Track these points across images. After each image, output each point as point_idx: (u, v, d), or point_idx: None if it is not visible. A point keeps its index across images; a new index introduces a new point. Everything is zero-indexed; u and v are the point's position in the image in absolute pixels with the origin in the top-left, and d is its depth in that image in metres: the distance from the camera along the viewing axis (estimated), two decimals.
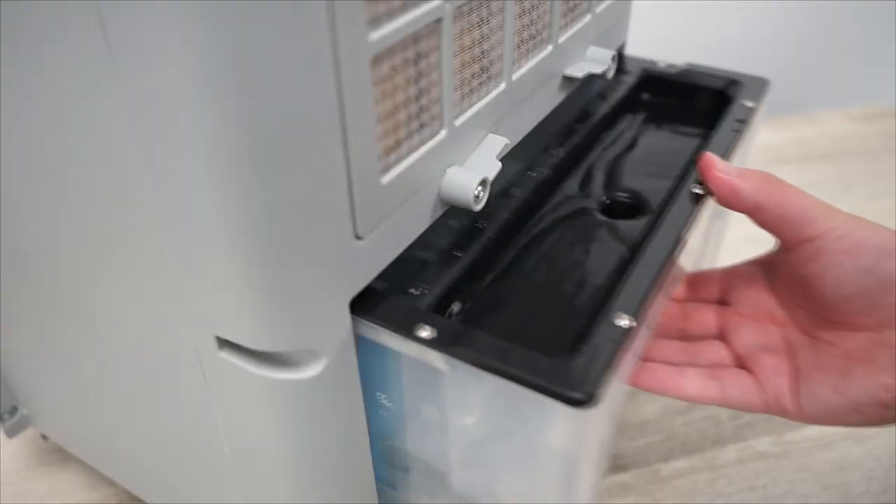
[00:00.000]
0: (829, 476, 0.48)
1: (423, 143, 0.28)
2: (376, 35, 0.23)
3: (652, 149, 0.43)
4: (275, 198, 0.22)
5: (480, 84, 0.31)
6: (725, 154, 0.38)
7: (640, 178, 0.40)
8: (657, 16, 0.75)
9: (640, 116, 0.47)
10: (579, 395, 0.24)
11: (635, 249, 0.34)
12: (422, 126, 0.28)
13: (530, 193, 0.37)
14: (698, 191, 0.36)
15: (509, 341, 0.26)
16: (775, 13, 0.88)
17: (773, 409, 0.34)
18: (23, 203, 0.30)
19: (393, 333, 0.27)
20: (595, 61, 0.41)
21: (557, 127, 0.42)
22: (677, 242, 0.33)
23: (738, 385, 0.35)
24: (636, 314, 0.28)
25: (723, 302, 0.40)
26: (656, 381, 0.35)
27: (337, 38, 0.21)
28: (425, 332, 0.27)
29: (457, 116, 0.30)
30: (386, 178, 0.26)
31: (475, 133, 0.31)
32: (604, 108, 0.45)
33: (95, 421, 0.41)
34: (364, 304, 0.28)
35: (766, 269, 0.39)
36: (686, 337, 0.39)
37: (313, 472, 0.30)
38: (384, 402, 0.31)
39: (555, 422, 0.27)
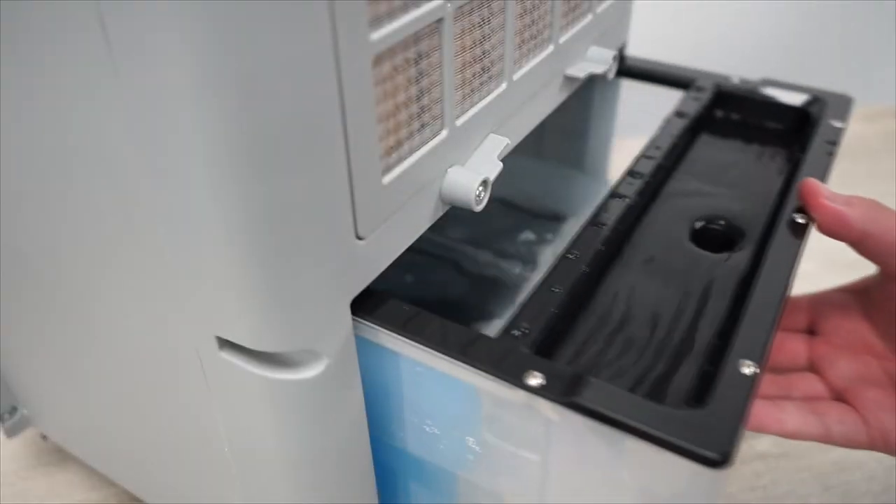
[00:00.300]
0: (830, 476, 0.48)
1: (424, 143, 0.28)
2: (377, 35, 0.23)
3: (735, 171, 0.41)
4: (275, 198, 0.22)
5: (481, 84, 0.31)
6: (822, 179, 0.36)
7: (728, 203, 0.38)
8: (657, 16, 0.75)
9: (718, 136, 0.45)
10: (715, 455, 0.22)
11: (742, 285, 0.32)
12: (423, 126, 0.28)
13: (619, 221, 0.35)
14: (800, 220, 0.34)
15: (623, 389, 0.25)
16: (775, 13, 0.88)
17: (878, 445, 0.32)
18: (23, 203, 0.30)
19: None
20: (596, 61, 0.41)
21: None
22: (789, 278, 0.31)
23: (842, 420, 0.33)
24: (760, 360, 0.26)
25: (811, 331, 0.38)
26: (753, 417, 0.33)
27: (338, 37, 0.21)
28: (535, 380, 0.25)
29: (458, 116, 0.30)
30: (387, 179, 0.26)
31: (476, 133, 0.31)
32: (681, 128, 0.42)
33: (95, 421, 0.41)
34: (364, 305, 0.28)
35: (860, 298, 0.37)
36: (775, 368, 0.37)
37: (313, 473, 0.30)
38: (431, 429, 0.30)
39: (679, 480, 0.24)
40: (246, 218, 0.22)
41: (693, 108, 0.44)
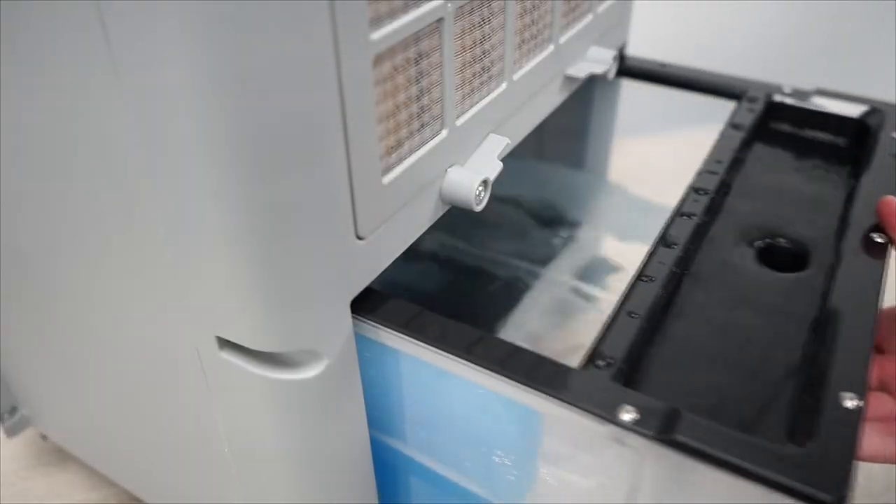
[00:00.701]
0: None
1: (424, 142, 0.28)
2: (378, 35, 0.23)
3: (792, 186, 0.40)
4: (275, 198, 0.22)
5: (482, 84, 0.31)
6: (891, 195, 0.34)
7: (791, 220, 0.37)
8: (658, 15, 0.75)
9: (772, 148, 0.43)
10: (830, 497, 0.21)
11: (818, 307, 0.31)
12: (423, 126, 0.28)
13: (689, 241, 0.33)
14: (879, 239, 0.32)
15: (720, 423, 0.23)
16: (776, 13, 0.88)
17: None
18: (23, 203, 0.30)
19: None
20: (596, 61, 0.41)
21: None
22: (877, 301, 0.29)
23: None
24: (861, 391, 0.25)
25: (878, 349, 0.37)
26: None
27: (338, 37, 0.21)
28: (629, 415, 0.23)
29: (458, 116, 0.30)
30: (387, 178, 0.26)
31: (476, 133, 0.31)
32: (738, 141, 0.41)
33: (96, 421, 0.41)
34: (364, 305, 0.28)
35: None
36: None
37: (313, 473, 0.30)
38: (503, 460, 0.29)
39: None
40: (246, 218, 0.22)
41: (748, 119, 0.43)
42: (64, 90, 0.23)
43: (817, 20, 0.89)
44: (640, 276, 0.30)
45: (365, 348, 0.29)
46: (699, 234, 0.35)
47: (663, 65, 0.48)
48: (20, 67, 0.24)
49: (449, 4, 0.26)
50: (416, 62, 0.26)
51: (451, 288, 0.51)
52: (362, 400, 0.30)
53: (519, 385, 0.25)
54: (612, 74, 0.43)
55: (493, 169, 0.31)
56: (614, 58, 0.42)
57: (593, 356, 0.26)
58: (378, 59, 0.24)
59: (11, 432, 0.46)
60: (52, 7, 0.21)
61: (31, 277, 0.33)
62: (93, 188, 0.26)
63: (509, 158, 0.33)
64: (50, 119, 0.25)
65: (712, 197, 0.36)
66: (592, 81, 0.47)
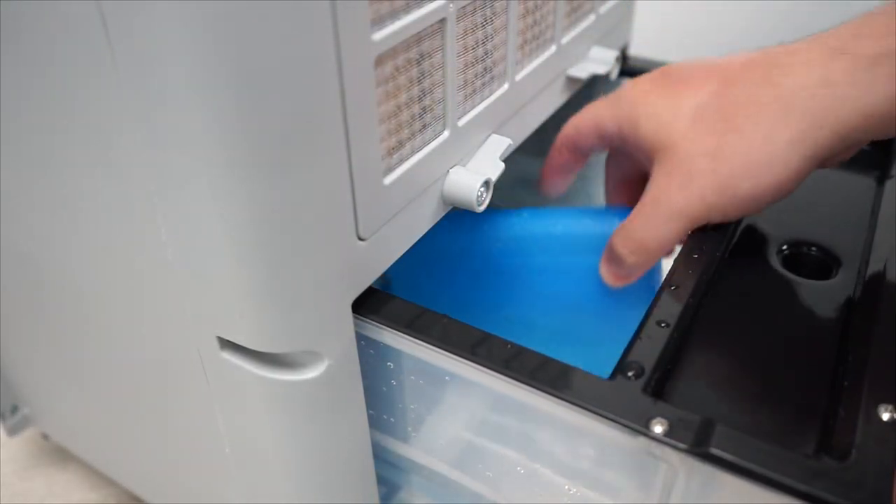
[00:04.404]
0: None
1: (425, 143, 0.28)
2: (379, 35, 0.23)
3: (817, 188, 0.38)
4: (277, 199, 0.22)
5: (483, 84, 0.31)
6: None
7: (818, 226, 0.36)
8: (661, 16, 0.75)
9: None
10: None
11: (849, 315, 0.31)
12: (424, 126, 0.27)
13: (714, 248, 0.32)
14: None
15: (750, 435, 0.23)
16: (781, 13, 0.88)
17: None
18: (24, 203, 0.30)
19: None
20: (598, 62, 0.41)
21: None
22: None
23: None
24: None
25: None
26: None
27: (340, 38, 0.21)
28: (661, 427, 0.23)
29: (460, 117, 0.30)
30: (388, 179, 0.26)
31: (478, 133, 0.31)
32: None
33: (97, 420, 0.41)
34: (366, 305, 0.28)
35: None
36: None
37: (314, 473, 0.30)
38: (516, 467, 0.29)
39: None
40: (247, 218, 0.22)
41: None
42: (64, 89, 0.23)
43: (824, 21, 0.89)
44: (668, 286, 0.30)
45: (367, 349, 0.29)
46: (723, 241, 0.34)
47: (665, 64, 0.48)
48: (21, 68, 0.24)
49: (451, 5, 0.26)
50: (418, 63, 0.26)
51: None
52: (363, 400, 0.30)
53: (545, 395, 0.25)
54: (614, 75, 0.43)
55: (495, 169, 0.31)
56: (617, 58, 0.42)
57: (622, 366, 0.26)
58: (380, 60, 0.24)
59: (12, 431, 0.46)
60: (52, 7, 0.21)
61: (32, 277, 0.33)
62: (94, 188, 0.26)
63: (510, 159, 0.33)
64: (50, 119, 0.25)
65: None
66: (595, 82, 0.47)
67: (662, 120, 0.32)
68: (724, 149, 0.30)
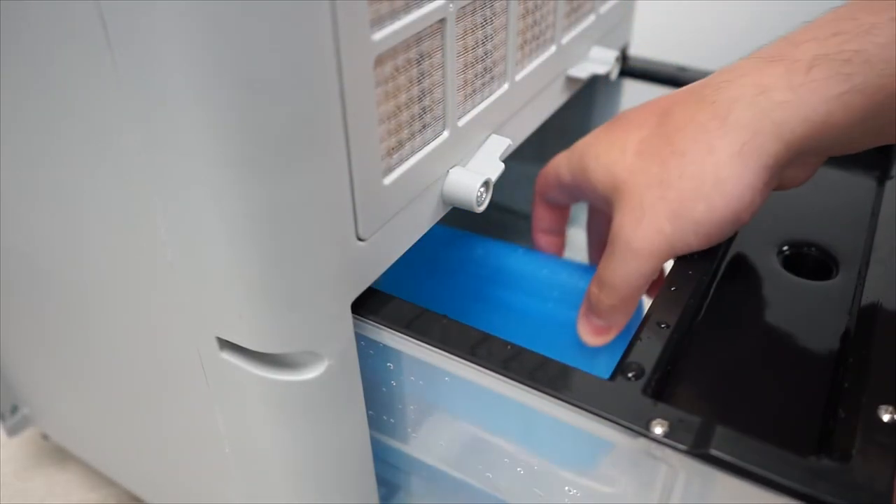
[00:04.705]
0: None
1: (425, 143, 0.28)
2: (379, 35, 0.23)
3: (817, 188, 0.38)
4: (276, 199, 0.22)
5: (483, 84, 0.31)
6: None
7: (817, 225, 0.36)
8: (661, 15, 0.75)
9: None
10: None
11: (850, 316, 0.30)
12: (424, 127, 0.27)
13: (714, 248, 0.32)
14: None
15: (752, 436, 0.23)
16: (783, 13, 0.88)
17: None
18: (24, 203, 0.29)
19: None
20: (598, 62, 0.41)
21: None
22: None
23: None
24: None
25: None
26: None
27: (339, 38, 0.21)
28: (661, 428, 0.23)
29: (460, 117, 0.30)
30: (388, 179, 0.26)
31: (478, 134, 0.31)
32: None
33: (96, 420, 0.41)
34: (366, 306, 0.28)
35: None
36: None
37: (314, 474, 0.30)
38: (517, 467, 0.29)
39: None
40: (247, 219, 0.22)
41: None
42: (64, 90, 0.23)
43: None
44: (668, 287, 0.30)
45: (366, 349, 0.29)
46: (723, 241, 0.33)
47: (667, 65, 0.48)
48: (21, 68, 0.24)
49: (451, 5, 0.26)
50: (418, 63, 0.26)
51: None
52: (363, 401, 0.30)
53: (545, 395, 0.25)
54: (614, 75, 0.43)
55: (495, 170, 0.31)
56: (617, 58, 0.42)
57: (622, 367, 0.26)
58: (379, 60, 0.24)
59: (12, 432, 0.46)
60: (52, 7, 0.21)
61: (32, 278, 0.33)
62: (93, 188, 0.26)
63: (510, 160, 0.33)
64: (50, 120, 0.24)
65: None
66: (595, 82, 0.47)
67: (609, 160, 0.32)
68: (669, 174, 0.29)
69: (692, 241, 0.29)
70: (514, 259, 0.39)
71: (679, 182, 0.29)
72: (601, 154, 0.32)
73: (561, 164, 0.35)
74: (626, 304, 0.31)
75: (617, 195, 0.31)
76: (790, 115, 0.27)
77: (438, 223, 0.31)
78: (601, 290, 0.32)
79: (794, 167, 0.30)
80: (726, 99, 0.28)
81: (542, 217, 0.39)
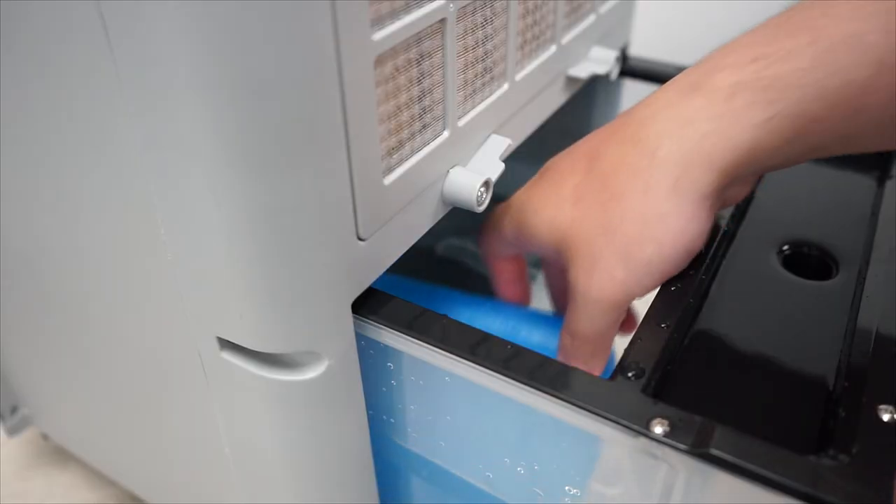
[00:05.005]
0: None
1: (425, 143, 0.28)
2: (379, 35, 0.23)
3: (817, 188, 0.39)
4: (277, 199, 0.22)
5: (484, 84, 0.31)
6: None
7: (817, 225, 0.36)
8: (661, 15, 0.75)
9: None
10: None
11: (850, 315, 0.30)
12: (424, 127, 0.27)
13: (715, 248, 0.33)
14: None
15: (751, 435, 0.23)
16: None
17: None
18: (24, 203, 0.30)
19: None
20: (598, 61, 0.41)
21: None
22: None
23: None
24: None
25: None
26: None
27: (340, 38, 0.21)
28: (660, 428, 0.23)
29: (460, 117, 0.30)
30: (388, 179, 0.26)
31: (478, 134, 0.31)
32: None
33: (97, 420, 0.41)
34: (366, 306, 0.28)
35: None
36: None
37: (314, 473, 0.30)
38: (517, 467, 0.29)
39: None
40: (247, 219, 0.22)
41: None
42: (64, 89, 0.23)
43: None
44: (668, 286, 0.30)
45: (366, 349, 0.29)
46: (724, 240, 0.34)
47: (667, 65, 0.48)
48: (22, 69, 0.24)
49: (451, 5, 0.26)
50: (418, 63, 0.26)
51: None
52: (363, 401, 0.30)
53: (545, 395, 0.25)
54: (614, 75, 0.43)
55: (495, 170, 0.31)
56: (617, 58, 0.42)
57: (622, 367, 0.26)
58: (380, 60, 0.24)
59: (12, 432, 0.46)
60: (51, 7, 0.21)
61: (32, 277, 0.33)
62: (93, 188, 0.26)
63: (510, 160, 0.33)
64: (50, 119, 0.25)
65: (738, 203, 0.35)
66: (595, 82, 0.47)
67: (548, 215, 0.31)
68: (611, 220, 0.29)
69: (647, 282, 0.29)
70: (483, 312, 0.38)
71: (622, 226, 0.28)
72: (539, 209, 0.32)
73: (499, 222, 0.35)
74: (600, 349, 0.31)
75: (564, 247, 0.30)
76: (717, 144, 0.27)
77: (407, 276, 0.30)
78: (573, 341, 0.31)
79: (734, 187, 0.30)
80: (652, 135, 0.28)
81: (499, 271, 0.38)
